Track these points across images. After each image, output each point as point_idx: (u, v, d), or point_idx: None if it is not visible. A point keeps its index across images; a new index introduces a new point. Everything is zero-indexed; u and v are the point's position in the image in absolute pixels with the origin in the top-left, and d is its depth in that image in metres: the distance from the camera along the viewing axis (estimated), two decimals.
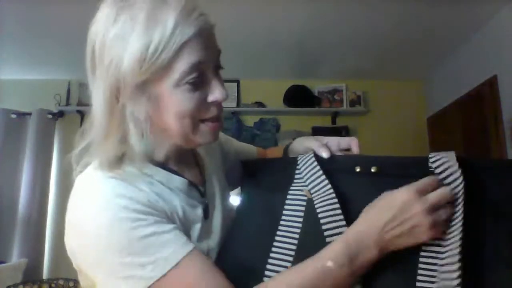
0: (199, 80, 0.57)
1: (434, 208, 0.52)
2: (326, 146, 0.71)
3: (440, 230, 0.52)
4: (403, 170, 0.59)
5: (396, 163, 0.61)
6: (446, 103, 2.95)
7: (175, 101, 0.57)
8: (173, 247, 0.55)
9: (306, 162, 0.69)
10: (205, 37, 0.58)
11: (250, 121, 3.33)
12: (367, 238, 0.53)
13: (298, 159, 0.71)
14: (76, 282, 2.62)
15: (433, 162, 0.57)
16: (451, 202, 0.53)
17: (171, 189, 0.64)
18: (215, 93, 0.59)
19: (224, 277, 0.57)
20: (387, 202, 0.54)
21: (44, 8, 2.30)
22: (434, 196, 0.52)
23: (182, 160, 0.70)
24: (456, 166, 0.55)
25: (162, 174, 0.64)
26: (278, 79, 3.33)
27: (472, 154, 2.61)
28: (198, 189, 0.70)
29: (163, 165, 0.65)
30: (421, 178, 0.55)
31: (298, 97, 3.23)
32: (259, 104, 3.29)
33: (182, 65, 0.55)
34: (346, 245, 0.54)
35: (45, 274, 3.01)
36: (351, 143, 0.72)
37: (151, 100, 0.58)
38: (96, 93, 0.61)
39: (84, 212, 0.60)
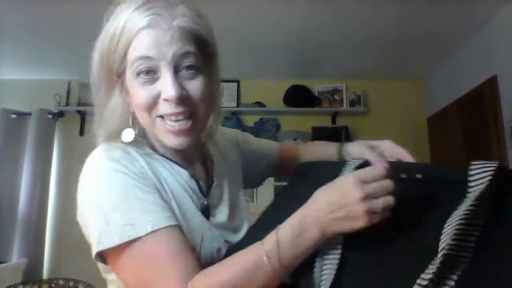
0: (150, 74, 0.61)
1: (370, 197, 0.52)
2: (381, 155, 0.70)
3: (376, 218, 0.53)
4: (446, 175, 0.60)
5: (440, 168, 0.62)
6: (446, 103, 2.95)
7: (134, 93, 0.63)
8: (154, 216, 0.58)
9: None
10: (159, 34, 0.60)
11: (250, 121, 3.33)
12: (309, 217, 0.55)
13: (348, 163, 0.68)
14: (76, 282, 2.61)
15: (472, 169, 0.58)
16: (392, 194, 0.53)
17: (171, 174, 0.68)
18: (164, 91, 0.61)
19: (195, 261, 0.59)
20: (333, 187, 0.56)
21: (44, 8, 2.30)
22: (374, 186, 0.53)
23: (186, 157, 0.72)
24: (487, 173, 0.56)
25: (164, 162, 0.68)
26: (278, 79, 3.33)
27: (471, 154, 2.62)
28: (199, 185, 0.71)
29: (165, 157, 0.69)
30: (463, 183, 0.56)
31: (298, 97, 3.23)
32: (259, 104, 3.29)
33: (131, 55, 0.60)
34: (292, 225, 0.55)
35: (45, 274, 3.01)
36: (403, 154, 0.72)
37: (124, 92, 0.65)
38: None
39: (88, 174, 0.64)
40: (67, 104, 3.27)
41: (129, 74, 0.62)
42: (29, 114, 3.19)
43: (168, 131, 0.63)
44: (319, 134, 3.14)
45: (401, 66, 3.17)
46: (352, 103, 3.29)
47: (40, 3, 2.24)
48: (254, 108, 3.27)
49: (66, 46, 2.81)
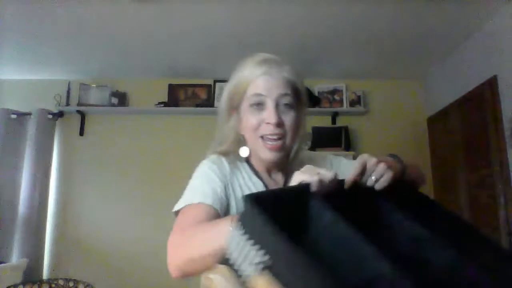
0: (260, 105, 0.87)
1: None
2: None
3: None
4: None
5: None
6: (446, 103, 2.95)
7: (246, 119, 0.90)
8: (201, 197, 0.85)
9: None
10: (269, 80, 0.87)
11: None
12: None
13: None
14: (76, 282, 2.61)
15: None
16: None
17: (245, 180, 0.94)
18: (267, 117, 0.86)
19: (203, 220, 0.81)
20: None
21: (44, 8, 2.30)
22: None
23: (270, 169, 0.96)
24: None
25: (246, 172, 0.95)
26: None
27: (471, 154, 2.62)
28: None
29: (254, 170, 0.96)
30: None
31: None
32: None
33: (249, 92, 0.88)
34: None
35: (45, 274, 3.01)
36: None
37: (238, 117, 0.93)
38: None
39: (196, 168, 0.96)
40: (67, 104, 3.27)
41: (244, 105, 0.89)
42: (29, 114, 3.19)
43: (266, 147, 0.88)
44: (319, 134, 3.14)
45: (401, 66, 3.17)
46: (352, 103, 3.29)
47: (40, 3, 2.25)
48: None
49: (66, 46, 2.81)
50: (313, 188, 0.63)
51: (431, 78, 3.27)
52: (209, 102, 3.33)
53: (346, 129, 3.18)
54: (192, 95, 3.38)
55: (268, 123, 0.86)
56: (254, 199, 0.56)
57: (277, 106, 0.86)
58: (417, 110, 3.36)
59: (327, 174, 0.65)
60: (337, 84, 3.34)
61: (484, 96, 2.49)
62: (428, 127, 3.27)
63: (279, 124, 0.86)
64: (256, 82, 0.87)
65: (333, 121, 3.33)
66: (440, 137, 3.08)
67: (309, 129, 3.23)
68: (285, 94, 0.87)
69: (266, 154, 0.88)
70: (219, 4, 2.30)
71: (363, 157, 0.73)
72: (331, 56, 2.98)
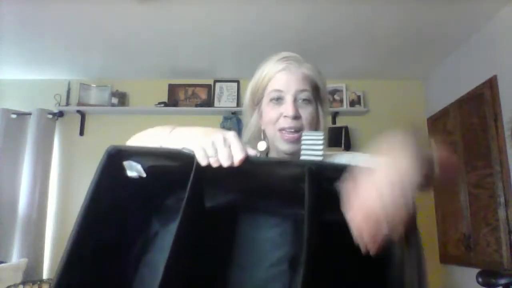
0: (279, 100, 0.90)
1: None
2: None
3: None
4: None
5: None
6: (446, 103, 2.95)
7: (266, 113, 0.93)
8: None
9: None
10: (288, 75, 0.90)
11: None
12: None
13: None
14: None
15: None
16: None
17: None
18: (285, 111, 0.89)
19: None
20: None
21: (44, 8, 2.30)
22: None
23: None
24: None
25: None
26: None
27: (471, 154, 2.62)
28: None
29: None
30: None
31: None
32: None
33: (269, 88, 0.92)
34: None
35: (45, 274, 3.01)
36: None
37: (259, 112, 0.96)
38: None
39: None
40: (67, 104, 3.27)
41: (265, 100, 0.93)
42: (29, 114, 3.19)
43: (283, 139, 0.90)
44: None
45: (401, 66, 3.17)
46: (352, 103, 3.29)
47: (40, 3, 2.25)
48: None
49: (66, 46, 2.81)
50: (199, 161, 0.57)
51: (431, 78, 3.27)
52: (209, 102, 3.33)
53: (346, 129, 3.18)
54: (192, 95, 3.38)
55: (286, 116, 0.89)
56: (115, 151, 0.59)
57: (295, 100, 0.89)
58: (417, 110, 3.35)
59: (223, 148, 0.58)
60: (337, 84, 3.33)
61: (484, 96, 2.49)
62: (428, 127, 3.27)
63: (296, 117, 0.89)
64: (276, 77, 0.91)
65: (333, 121, 3.33)
66: (440, 137, 3.08)
67: None
68: (304, 90, 0.90)
69: (284, 145, 0.90)
70: (219, 4, 2.30)
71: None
72: (331, 56, 2.98)
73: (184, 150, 0.59)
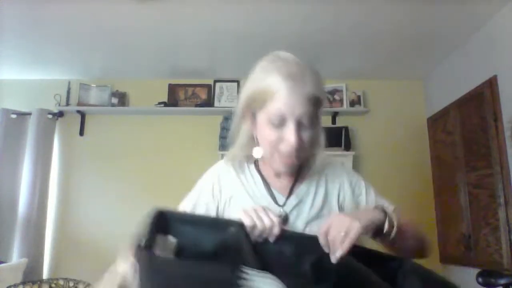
0: (280, 122, 0.82)
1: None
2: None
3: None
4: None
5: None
6: (446, 103, 2.95)
7: (263, 129, 0.86)
8: (186, 204, 0.99)
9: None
10: (290, 97, 0.81)
11: None
12: None
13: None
14: (76, 282, 2.61)
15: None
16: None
17: (255, 183, 0.97)
18: (286, 137, 0.83)
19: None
20: None
21: (44, 8, 2.31)
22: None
23: (278, 174, 0.96)
24: None
25: (252, 177, 0.98)
26: None
27: (471, 154, 2.62)
28: (274, 196, 0.94)
29: (260, 172, 0.98)
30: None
31: None
32: None
33: (269, 106, 0.83)
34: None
35: (45, 274, 3.01)
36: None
37: (254, 122, 0.90)
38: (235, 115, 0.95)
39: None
40: (67, 104, 3.27)
41: (263, 116, 0.86)
42: (29, 114, 3.19)
43: (282, 163, 0.88)
44: None
45: (401, 66, 3.17)
46: (352, 103, 3.29)
47: (40, 3, 2.25)
48: None
49: (66, 46, 2.81)
50: (248, 230, 0.73)
51: (431, 78, 3.28)
52: (209, 102, 3.33)
53: (346, 129, 3.18)
54: (192, 95, 3.38)
55: (287, 143, 0.83)
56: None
57: (298, 125, 0.83)
58: (417, 110, 3.35)
59: (267, 223, 0.74)
60: (337, 84, 3.33)
61: (484, 96, 2.49)
62: (428, 127, 3.27)
63: (299, 146, 0.84)
64: (278, 96, 0.81)
65: (333, 121, 3.33)
66: (440, 137, 3.08)
67: None
68: (307, 112, 0.83)
69: (280, 167, 0.89)
70: (219, 4, 2.30)
71: (330, 223, 0.74)
72: (331, 56, 2.98)
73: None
